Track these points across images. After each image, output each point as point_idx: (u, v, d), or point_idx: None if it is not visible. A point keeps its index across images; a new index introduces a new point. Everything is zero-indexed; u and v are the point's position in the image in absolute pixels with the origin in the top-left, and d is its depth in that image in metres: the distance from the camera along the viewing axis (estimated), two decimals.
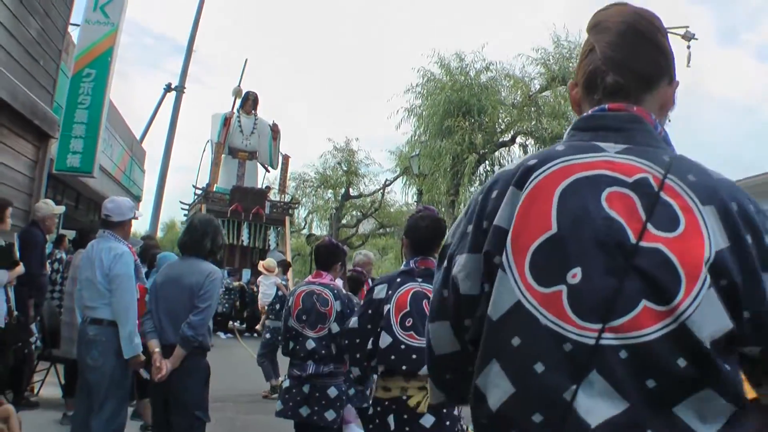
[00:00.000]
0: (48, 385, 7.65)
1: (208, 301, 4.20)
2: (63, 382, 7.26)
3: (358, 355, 3.39)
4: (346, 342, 3.48)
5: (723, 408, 1.09)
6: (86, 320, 4.55)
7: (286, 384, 4.68)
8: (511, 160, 25.46)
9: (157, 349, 4.18)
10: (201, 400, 4.32)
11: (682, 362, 1.07)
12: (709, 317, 1.08)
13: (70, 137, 9.76)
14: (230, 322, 18.10)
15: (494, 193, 1.28)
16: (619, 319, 1.09)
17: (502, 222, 1.23)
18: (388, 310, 3.32)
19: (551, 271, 1.16)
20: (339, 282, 5.07)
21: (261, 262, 13.74)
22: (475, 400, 1.23)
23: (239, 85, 24.48)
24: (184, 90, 26.75)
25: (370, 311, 3.40)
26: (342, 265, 5.19)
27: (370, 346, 3.36)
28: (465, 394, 1.29)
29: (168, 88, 26.71)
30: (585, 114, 1.33)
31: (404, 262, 3.56)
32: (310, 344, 4.51)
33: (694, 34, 16.13)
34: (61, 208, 7.49)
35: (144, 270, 6.01)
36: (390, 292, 3.37)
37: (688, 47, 16.05)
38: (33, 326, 6.97)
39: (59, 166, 9.70)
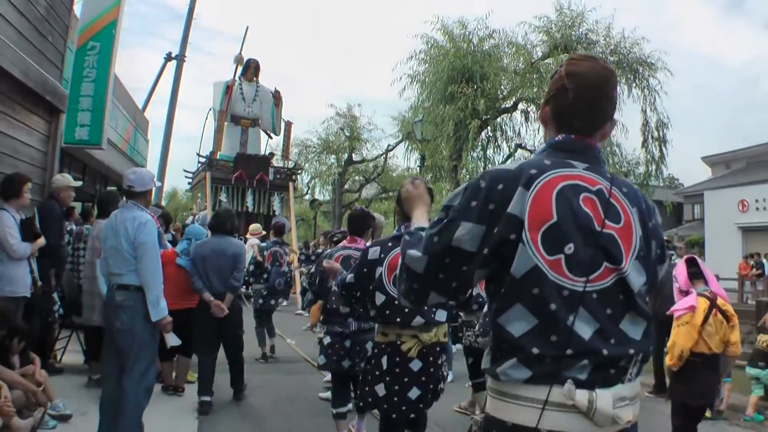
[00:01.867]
0: (69, 352, 7.95)
1: (243, 263, 7.02)
2: (84, 348, 7.54)
3: (353, 301, 4.04)
4: (344, 292, 4.05)
5: (641, 321, 1.78)
6: (113, 287, 4.73)
7: (328, 341, 5.31)
8: (513, 126, 25.78)
9: (212, 298, 6.48)
10: (241, 324, 7.08)
11: (621, 297, 1.74)
12: (635, 275, 1.78)
13: (77, 110, 9.69)
14: None
15: (500, 186, 1.77)
16: (592, 275, 1.71)
17: (515, 211, 1.72)
18: (381, 272, 3.89)
19: (554, 245, 1.70)
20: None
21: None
22: (496, 332, 1.76)
23: (240, 53, 24.42)
24: (185, 58, 26.73)
25: (365, 270, 3.97)
26: (373, 230, 5.65)
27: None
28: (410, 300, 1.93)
29: (168, 57, 26.60)
30: (558, 139, 1.92)
31: (396, 228, 4.15)
32: None
33: None
34: (78, 183, 7.67)
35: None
36: (382, 255, 3.94)
37: None
38: (54, 295, 7.18)
39: (68, 139, 9.64)
